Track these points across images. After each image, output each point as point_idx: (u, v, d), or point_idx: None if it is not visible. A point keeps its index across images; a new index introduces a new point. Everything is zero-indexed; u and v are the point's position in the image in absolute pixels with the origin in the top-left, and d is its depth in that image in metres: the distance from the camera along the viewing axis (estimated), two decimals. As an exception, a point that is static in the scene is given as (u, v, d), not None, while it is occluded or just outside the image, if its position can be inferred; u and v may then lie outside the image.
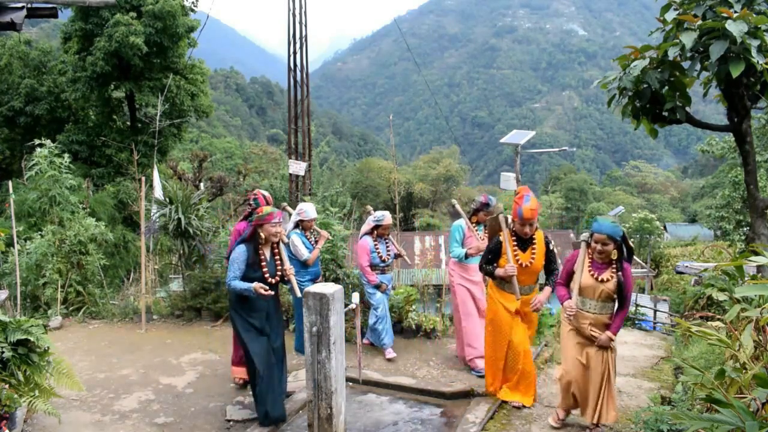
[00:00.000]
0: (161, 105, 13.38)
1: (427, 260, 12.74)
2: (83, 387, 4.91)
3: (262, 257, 4.94)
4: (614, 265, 4.46)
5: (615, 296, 4.50)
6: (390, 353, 6.81)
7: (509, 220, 5.26)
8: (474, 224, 6.42)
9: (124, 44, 18.73)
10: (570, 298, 4.58)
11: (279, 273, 5.03)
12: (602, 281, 4.44)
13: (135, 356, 7.04)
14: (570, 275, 4.67)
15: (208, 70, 24.22)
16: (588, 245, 4.52)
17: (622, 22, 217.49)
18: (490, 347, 5.48)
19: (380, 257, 6.81)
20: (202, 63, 23.14)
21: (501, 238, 5.18)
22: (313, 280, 6.69)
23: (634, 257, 32.24)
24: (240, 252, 4.86)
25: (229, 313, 5.18)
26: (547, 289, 5.23)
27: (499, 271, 5.16)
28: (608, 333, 4.48)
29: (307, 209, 6.73)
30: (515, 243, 5.18)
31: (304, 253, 6.59)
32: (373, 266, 6.82)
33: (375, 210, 7.15)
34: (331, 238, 7.36)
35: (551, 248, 5.23)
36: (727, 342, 2.98)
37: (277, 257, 5.07)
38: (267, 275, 4.90)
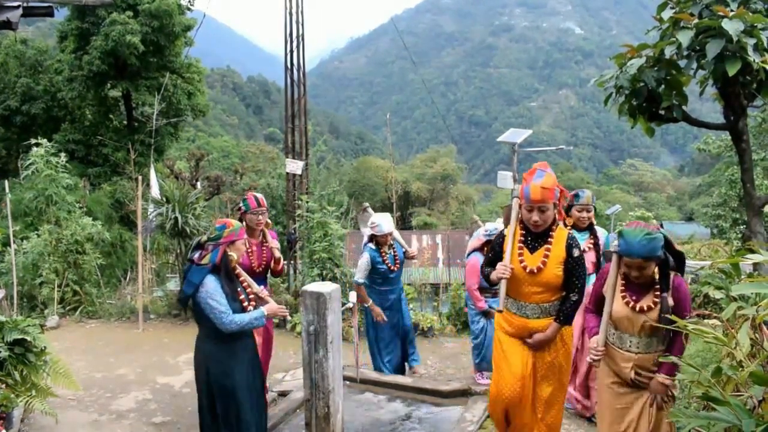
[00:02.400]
0: (158, 104, 13.34)
1: (424, 259, 12.76)
2: (80, 387, 4.91)
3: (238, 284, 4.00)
4: (658, 286, 3.23)
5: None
6: (481, 378, 5.97)
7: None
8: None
9: (120, 43, 18.70)
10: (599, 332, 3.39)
11: (252, 296, 4.01)
12: (641, 311, 3.22)
13: (132, 356, 7.04)
14: (600, 299, 3.46)
15: (205, 69, 24.20)
16: (620, 258, 3.29)
17: (618, 21, 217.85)
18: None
19: None
20: (198, 62, 23.12)
21: (506, 231, 3.89)
22: (389, 309, 5.92)
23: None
24: (215, 283, 3.73)
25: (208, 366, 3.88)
26: (554, 326, 3.75)
27: (492, 274, 3.82)
28: (660, 377, 3.23)
29: (381, 222, 5.73)
30: (523, 239, 3.80)
31: (358, 275, 5.82)
32: (483, 289, 5.77)
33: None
34: (415, 254, 6.18)
35: (576, 255, 3.71)
36: (723, 340, 2.99)
37: (242, 279, 4.03)
38: (245, 303, 3.89)
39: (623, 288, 3.30)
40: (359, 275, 5.82)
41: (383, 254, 5.82)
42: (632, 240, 3.10)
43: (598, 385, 3.63)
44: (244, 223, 4.87)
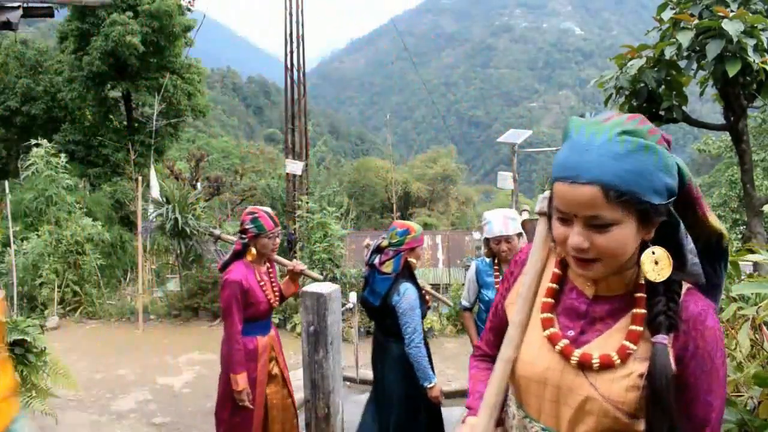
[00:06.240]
0: (158, 104, 13.36)
1: (424, 260, 12.77)
2: (80, 387, 4.90)
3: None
4: (642, 311, 1.20)
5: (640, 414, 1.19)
6: None
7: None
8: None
9: (120, 44, 18.71)
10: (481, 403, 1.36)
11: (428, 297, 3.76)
12: (584, 363, 1.22)
13: (132, 356, 7.03)
14: (501, 328, 1.42)
15: (205, 70, 24.20)
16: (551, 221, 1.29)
17: (618, 21, 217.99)
18: None
19: None
20: (198, 62, 23.12)
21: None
22: None
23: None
24: (416, 295, 3.43)
25: (400, 388, 3.61)
26: None
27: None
28: None
29: (492, 219, 3.66)
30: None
31: (462, 297, 4.12)
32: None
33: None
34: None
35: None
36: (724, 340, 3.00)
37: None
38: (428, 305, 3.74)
39: (549, 296, 1.33)
40: (464, 296, 4.05)
41: (497, 272, 3.76)
42: (583, 137, 1.15)
43: None
44: (253, 250, 3.53)
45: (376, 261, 3.53)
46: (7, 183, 9.65)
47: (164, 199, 8.69)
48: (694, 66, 4.54)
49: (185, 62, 22.05)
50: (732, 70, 4.10)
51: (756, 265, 4.40)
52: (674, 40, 4.35)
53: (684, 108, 4.89)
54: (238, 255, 3.56)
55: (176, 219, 8.28)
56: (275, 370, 3.74)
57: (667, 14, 4.59)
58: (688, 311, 1.19)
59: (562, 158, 1.17)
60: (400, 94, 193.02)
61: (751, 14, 4.15)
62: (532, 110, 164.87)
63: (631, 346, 1.18)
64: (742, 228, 19.37)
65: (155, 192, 8.95)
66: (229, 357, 3.42)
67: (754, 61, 4.06)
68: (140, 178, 9.33)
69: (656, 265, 1.16)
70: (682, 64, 4.59)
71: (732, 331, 3.19)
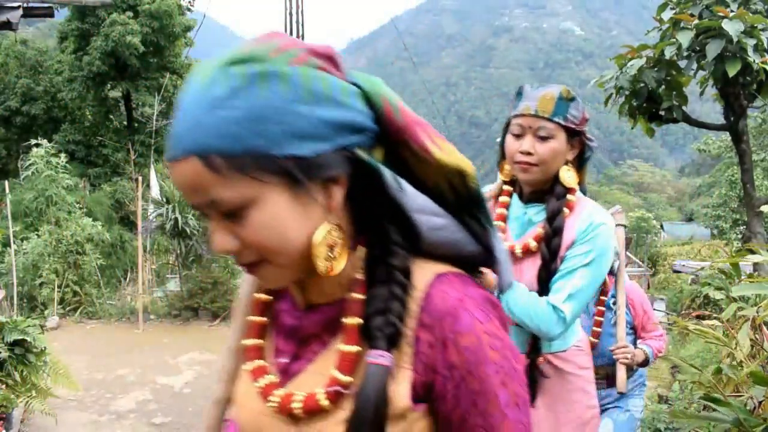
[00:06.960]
0: (158, 104, 13.36)
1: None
2: (80, 387, 4.90)
3: None
4: (379, 304, 0.73)
5: None
6: None
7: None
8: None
9: (120, 44, 18.75)
10: None
11: None
12: (292, 414, 0.75)
13: (132, 356, 7.03)
14: None
15: (205, 70, 24.22)
16: None
17: (618, 21, 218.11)
18: None
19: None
20: (198, 62, 23.13)
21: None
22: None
23: (632, 256, 29.60)
24: None
25: None
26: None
27: None
28: None
29: None
30: None
31: None
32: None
33: None
34: None
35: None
36: (723, 340, 2.99)
37: None
38: None
39: (258, 311, 0.87)
40: None
41: None
42: (186, 90, 0.70)
43: None
44: None
45: None
46: (7, 183, 9.65)
47: (164, 199, 8.69)
48: (694, 66, 4.53)
49: (185, 62, 22.08)
50: (732, 70, 4.10)
51: (756, 265, 4.40)
52: (674, 40, 4.35)
53: (684, 108, 4.89)
54: None
55: (176, 219, 8.28)
56: None
57: (667, 14, 4.59)
58: (433, 310, 0.73)
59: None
60: (400, 94, 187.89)
61: (751, 14, 4.15)
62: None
63: (341, 377, 0.73)
64: (742, 228, 19.39)
65: (155, 192, 8.95)
66: None
67: (754, 61, 4.06)
68: (140, 178, 9.34)
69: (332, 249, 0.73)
70: (682, 64, 4.59)
71: (732, 331, 3.19)
